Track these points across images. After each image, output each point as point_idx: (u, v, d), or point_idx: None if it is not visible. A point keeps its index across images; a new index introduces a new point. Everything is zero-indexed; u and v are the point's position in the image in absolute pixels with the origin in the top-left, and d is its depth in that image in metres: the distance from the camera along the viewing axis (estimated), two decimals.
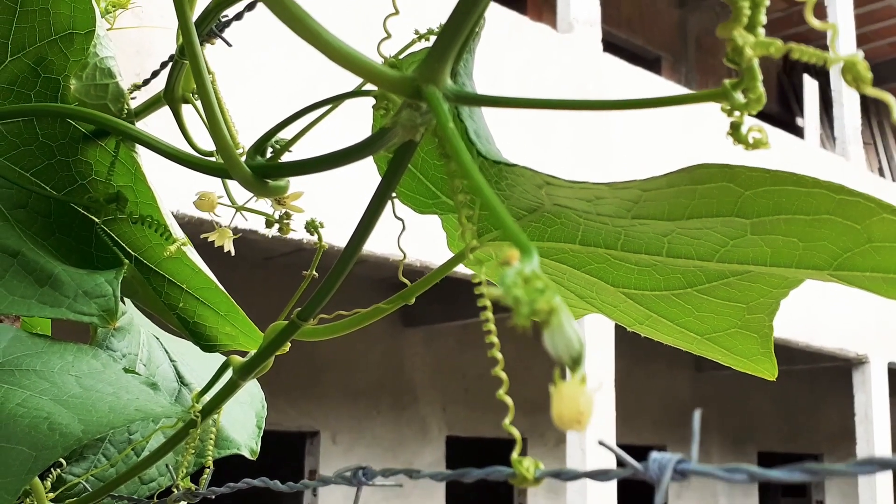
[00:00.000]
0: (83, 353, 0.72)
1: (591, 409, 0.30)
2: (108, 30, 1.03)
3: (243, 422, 0.99)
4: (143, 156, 0.80)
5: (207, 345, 0.89)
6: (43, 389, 0.64)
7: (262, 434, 0.98)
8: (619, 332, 5.77)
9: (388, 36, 0.48)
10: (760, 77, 0.37)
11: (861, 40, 8.10)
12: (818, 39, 8.58)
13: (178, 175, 0.80)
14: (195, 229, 0.85)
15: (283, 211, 0.62)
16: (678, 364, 8.16)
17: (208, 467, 0.72)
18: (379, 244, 4.24)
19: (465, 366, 6.98)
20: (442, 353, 6.94)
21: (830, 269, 0.51)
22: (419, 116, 0.40)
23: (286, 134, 0.62)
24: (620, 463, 0.35)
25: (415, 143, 0.52)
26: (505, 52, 4.90)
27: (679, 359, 8.01)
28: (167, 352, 1.00)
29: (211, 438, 0.74)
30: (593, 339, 5.44)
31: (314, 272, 0.64)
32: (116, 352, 0.92)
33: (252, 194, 0.64)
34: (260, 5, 0.68)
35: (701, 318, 0.60)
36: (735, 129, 0.39)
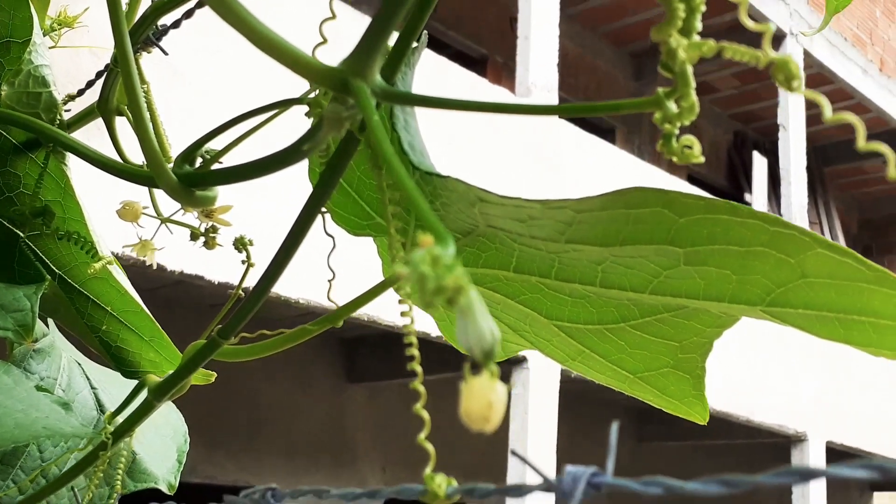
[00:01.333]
0: None
1: (501, 407, 0.28)
2: (50, 48, 1.01)
3: (163, 455, 0.95)
4: (82, 180, 0.78)
5: (129, 371, 0.86)
6: None
7: (181, 469, 0.95)
8: (563, 399, 5.75)
9: (325, 41, 0.47)
10: (693, 84, 0.36)
11: (811, 122, 8.30)
12: (768, 118, 8.78)
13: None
14: (139, 272, 0.82)
15: (210, 224, 0.60)
16: (620, 435, 8.15)
17: (116, 494, 0.68)
18: (320, 295, 4.20)
19: (407, 424, 6.91)
20: (385, 411, 6.86)
21: (763, 305, 0.50)
22: (345, 110, 0.39)
23: (222, 146, 0.61)
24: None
25: (349, 154, 0.50)
26: (463, 114, 4.94)
27: (621, 430, 8.00)
28: (88, 378, 0.96)
29: (121, 467, 0.71)
30: (537, 406, 5.41)
31: (241, 291, 0.62)
32: (35, 374, 0.88)
33: (179, 206, 0.62)
34: (198, 13, 0.66)
35: (633, 355, 0.59)
36: (667, 140, 0.38)
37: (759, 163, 7.92)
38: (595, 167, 5.81)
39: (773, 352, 6.95)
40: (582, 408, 7.35)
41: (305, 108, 0.60)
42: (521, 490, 0.33)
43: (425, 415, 0.38)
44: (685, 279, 0.50)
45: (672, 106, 0.37)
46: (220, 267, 3.98)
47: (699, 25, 0.35)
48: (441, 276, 0.25)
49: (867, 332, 0.49)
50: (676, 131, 0.38)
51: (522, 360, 5.43)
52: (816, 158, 9.35)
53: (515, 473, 5.35)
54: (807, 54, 7.75)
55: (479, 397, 0.28)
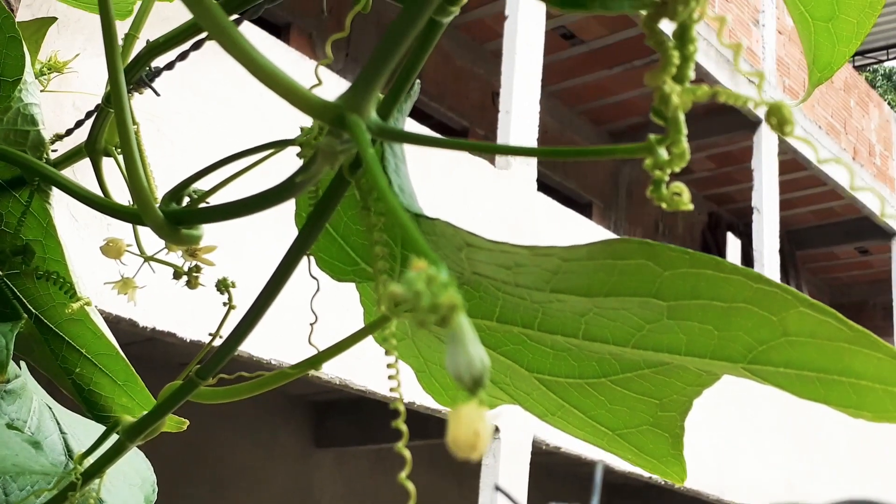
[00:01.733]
0: None
1: (488, 436, 0.28)
2: (41, 90, 1.01)
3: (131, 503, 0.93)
4: (64, 221, 0.78)
5: (101, 415, 0.85)
6: None
7: None
8: (532, 471, 5.69)
9: (319, 83, 0.47)
10: (685, 131, 0.36)
11: (784, 206, 8.42)
12: (743, 200, 8.90)
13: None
14: (111, 327, 0.82)
15: (194, 263, 0.60)
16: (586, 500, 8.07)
17: None
18: (299, 358, 4.17)
19: (375, 493, 6.80)
20: (353, 478, 6.76)
21: (745, 363, 0.50)
22: (339, 144, 0.39)
23: (207, 188, 0.61)
24: None
25: (338, 196, 0.51)
26: (443, 182, 4.98)
27: (587, 498, 7.93)
28: (58, 423, 0.95)
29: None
30: (507, 477, 5.36)
31: (220, 335, 0.61)
32: (5, 415, 0.87)
33: (163, 246, 0.62)
34: (192, 56, 0.67)
35: (613, 411, 0.59)
36: (657, 187, 0.38)
37: (733, 244, 8.01)
38: (573, 240, 5.84)
39: (745, 430, 6.94)
40: (551, 482, 7.28)
41: (287, 155, 0.61)
42: None
43: (407, 453, 0.38)
44: (668, 333, 0.51)
45: (663, 152, 0.37)
46: (193, 324, 3.95)
47: (692, 74, 0.36)
48: (436, 294, 0.25)
49: (847, 392, 0.50)
50: (666, 178, 0.38)
51: (494, 430, 5.40)
52: (789, 242, 9.47)
53: None
54: (781, 140, 7.90)
55: (467, 425, 0.27)
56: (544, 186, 6.63)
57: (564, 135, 8.54)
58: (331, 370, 4.55)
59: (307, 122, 0.57)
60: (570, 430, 0.62)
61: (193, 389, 0.57)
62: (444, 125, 7.67)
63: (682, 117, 0.37)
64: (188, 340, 3.94)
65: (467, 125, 7.98)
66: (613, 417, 0.59)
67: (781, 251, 8.21)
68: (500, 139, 5.59)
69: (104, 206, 0.62)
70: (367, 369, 4.59)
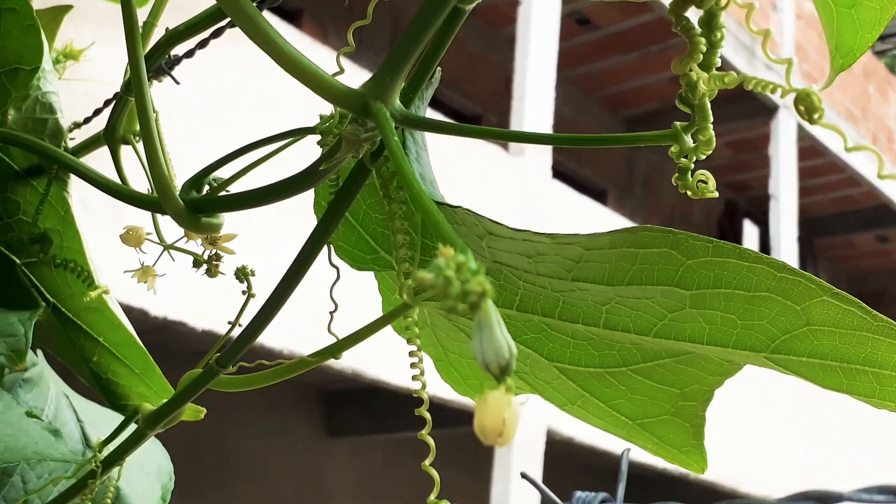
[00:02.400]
0: None
1: (515, 423, 0.28)
2: (58, 79, 1.01)
3: (148, 493, 0.94)
4: (82, 210, 0.78)
5: (119, 403, 0.85)
6: None
7: None
8: (548, 457, 5.70)
9: (341, 70, 0.47)
10: (711, 118, 0.36)
11: (802, 193, 8.38)
12: (760, 188, 8.85)
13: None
14: (138, 317, 0.82)
15: (213, 251, 0.60)
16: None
17: None
18: (312, 349, 4.18)
19: (388, 483, 6.82)
20: (366, 468, 6.78)
21: (767, 352, 0.50)
22: (363, 131, 0.39)
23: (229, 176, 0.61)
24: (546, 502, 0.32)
25: (358, 184, 0.51)
26: (457, 169, 4.97)
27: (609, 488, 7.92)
28: (75, 411, 0.95)
29: (108, 499, 0.70)
30: (521, 467, 5.36)
31: (239, 323, 0.61)
32: (23, 404, 0.87)
33: (182, 234, 0.62)
34: (212, 44, 0.67)
35: (634, 400, 0.58)
36: (682, 174, 0.38)
37: (751, 232, 7.98)
38: (587, 228, 5.83)
39: (761, 421, 6.92)
40: (565, 472, 7.28)
41: (305, 144, 0.61)
42: None
43: (430, 440, 0.38)
44: (690, 322, 0.50)
45: (689, 140, 0.37)
46: (205, 314, 3.96)
47: (718, 61, 0.35)
48: (466, 280, 0.25)
49: (870, 382, 0.49)
50: (692, 165, 0.38)
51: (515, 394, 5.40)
52: (808, 230, 9.41)
53: None
54: (800, 127, 7.85)
55: (494, 413, 0.27)
56: (559, 174, 6.61)
57: (579, 122, 8.51)
58: (343, 360, 4.56)
59: (325, 108, 0.57)
60: (590, 419, 0.62)
61: (213, 378, 0.57)
62: (456, 112, 7.66)
63: (708, 104, 0.36)
64: (200, 330, 3.95)
65: (480, 112, 7.96)
66: (634, 407, 0.59)
67: (799, 239, 8.18)
68: (514, 126, 5.57)
69: (123, 194, 0.62)
70: (380, 359, 4.60)
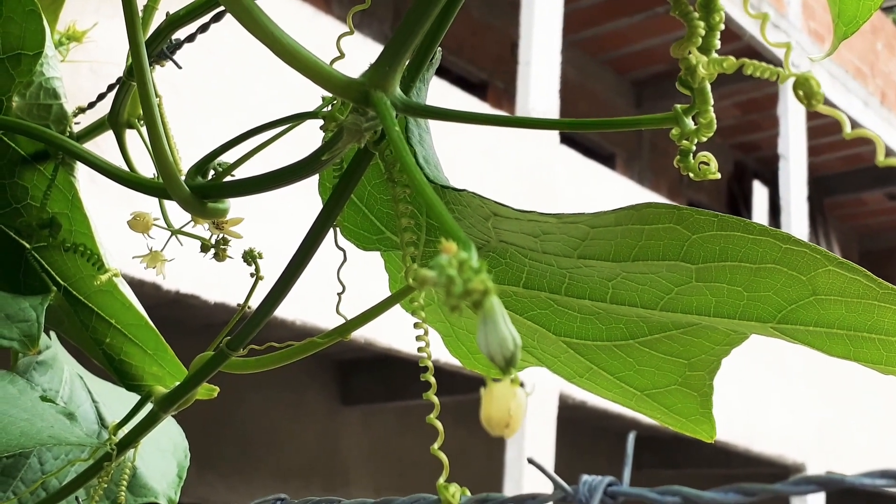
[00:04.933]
0: None
1: (521, 414, 0.28)
2: (60, 61, 1.01)
3: (164, 470, 0.95)
4: (90, 195, 0.78)
5: (132, 384, 0.86)
6: None
7: (181, 485, 0.94)
8: (559, 426, 5.73)
9: (342, 56, 0.47)
10: (711, 101, 0.36)
11: (811, 152, 8.33)
12: (769, 148, 8.80)
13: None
14: (134, 290, 0.82)
15: (221, 236, 0.60)
16: (614, 462, 8.11)
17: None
18: (323, 319, 4.20)
19: (402, 450, 6.87)
20: (379, 435, 6.83)
21: (774, 322, 0.50)
22: (365, 121, 0.39)
23: (233, 160, 0.61)
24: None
25: (362, 168, 0.51)
26: (463, 135, 4.96)
27: (619, 455, 7.97)
28: (90, 392, 0.96)
29: (124, 480, 0.71)
30: (534, 432, 5.39)
31: (248, 305, 0.62)
32: (38, 386, 0.88)
33: (189, 218, 0.62)
34: (213, 28, 0.67)
35: (641, 372, 0.59)
36: (684, 157, 0.38)
37: (760, 193, 7.94)
38: (595, 193, 5.82)
39: (773, 380, 6.93)
40: (578, 435, 7.32)
41: (310, 127, 0.61)
42: (535, 499, 0.33)
43: (439, 425, 0.38)
44: (696, 296, 0.51)
45: (689, 122, 0.37)
46: (217, 286, 3.97)
47: (717, 44, 0.35)
48: (468, 278, 0.25)
49: (876, 349, 0.50)
50: (693, 147, 0.38)
51: (520, 385, 5.40)
52: (817, 189, 9.36)
53: (511, 492, 5.31)
54: None
55: (500, 403, 0.28)
56: (566, 138, 6.58)
57: (586, 85, 8.47)
58: (355, 330, 4.55)
59: (324, 91, 0.57)
60: (599, 391, 0.63)
61: (224, 361, 0.57)
62: (462, 79, 7.62)
63: (708, 88, 0.36)
64: (213, 303, 3.96)
65: (486, 78, 7.92)
66: (642, 378, 0.59)
67: (809, 198, 8.14)
68: (520, 91, 5.55)
69: (129, 180, 0.62)
70: (392, 327, 4.61)
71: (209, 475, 5.90)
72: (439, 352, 0.68)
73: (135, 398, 0.95)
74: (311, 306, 4.07)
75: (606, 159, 8.41)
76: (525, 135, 5.45)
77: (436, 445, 0.36)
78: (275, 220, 3.72)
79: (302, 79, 0.39)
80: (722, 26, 0.35)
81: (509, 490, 5.33)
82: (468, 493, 0.35)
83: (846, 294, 0.48)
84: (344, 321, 0.59)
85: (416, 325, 0.42)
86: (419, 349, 0.44)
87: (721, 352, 0.57)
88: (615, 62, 8.60)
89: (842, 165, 9.66)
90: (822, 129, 8.65)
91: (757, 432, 6.78)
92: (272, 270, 0.60)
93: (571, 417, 6.32)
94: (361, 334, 4.66)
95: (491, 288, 0.25)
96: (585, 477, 0.31)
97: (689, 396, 0.59)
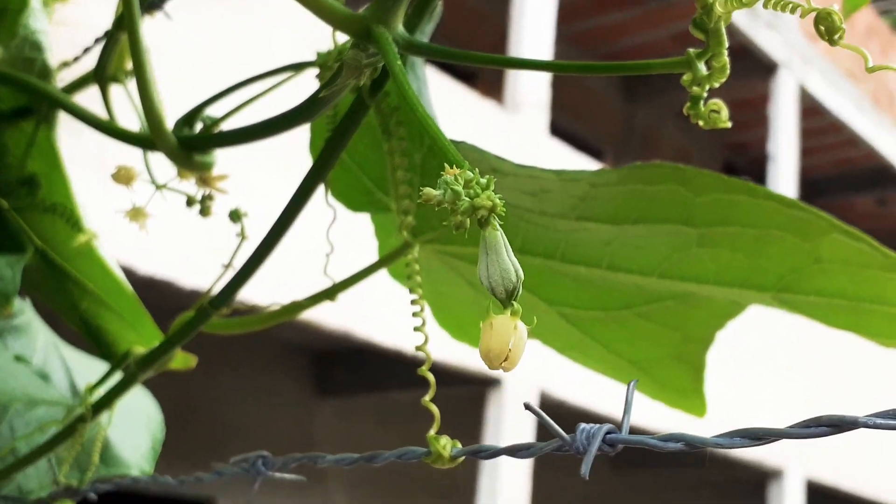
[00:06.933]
0: None
1: (521, 348, 0.26)
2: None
3: (136, 443, 0.93)
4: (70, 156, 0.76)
5: (108, 350, 0.84)
6: None
7: (156, 457, 0.92)
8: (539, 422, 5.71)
9: None
10: (726, 44, 0.34)
11: (802, 154, 8.33)
12: (758, 148, 8.81)
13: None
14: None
15: (207, 192, 0.58)
16: (595, 461, 8.09)
17: (90, 475, 0.66)
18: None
19: (379, 445, 6.83)
20: (356, 429, 6.79)
21: (775, 291, 0.49)
22: (365, 57, 0.37)
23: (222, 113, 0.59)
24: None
25: (357, 121, 0.49)
26: (450, 126, 4.92)
27: (597, 457, 7.96)
28: (64, 360, 0.94)
29: (96, 449, 0.69)
30: (512, 428, 5.37)
31: (232, 264, 0.60)
32: (10, 351, 0.86)
33: (177, 173, 0.60)
34: None
35: (635, 343, 0.57)
36: (694, 103, 0.36)
37: None
38: None
39: (754, 383, 6.92)
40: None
41: (293, 90, 0.59)
42: (531, 449, 0.31)
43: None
44: (696, 262, 0.49)
45: (702, 67, 0.36)
46: (193, 272, 3.92)
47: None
48: (475, 194, 0.23)
49: (878, 321, 0.48)
50: (705, 94, 0.36)
51: (497, 381, 5.38)
52: (807, 191, 9.36)
53: (486, 492, 5.30)
54: (799, 86, 7.79)
55: (500, 336, 0.26)
56: (556, 132, 6.57)
57: (578, 78, 8.44)
58: (334, 319, 4.52)
59: (314, 46, 0.55)
60: (590, 363, 0.61)
61: (206, 319, 0.55)
62: (451, 67, 7.59)
63: (723, 29, 0.35)
64: (188, 289, 3.91)
65: (476, 68, 7.89)
66: (635, 350, 0.58)
67: (798, 200, 8.10)
68: (510, 84, 5.53)
69: (114, 131, 0.60)
70: (371, 319, 4.57)
71: (181, 466, 5.85)
72: (417, 342, 0.66)
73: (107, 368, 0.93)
74: (290, 290, 4.03)
75: (596, 153, 8.39)
76: (515, 126, 5.44)
77: (427, 398, 0.35)
78: (258, 187, 3.65)
79: (288, 41, 0.38)
80: None
81: (485, 487, 5.31)
82: (459, 445, 0.34)
83: (850, 262, 0.47)
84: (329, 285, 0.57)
85: (410, 291, 0.40)
86: (414, 313, 0.42)
87: (717, 324, 0.56)
88: (608, 57, 8.57)
89: (832, 169, 9.67)
90: (813, 130, 8.66)
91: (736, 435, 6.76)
92: (254, 236, 0.58)
93: (551, 416, 6.31)
94: (340, 324, 4.62)
95: (498, 204, 0.23)
96: (583, 425, 0.30)
97: (682, 370, 0.58)
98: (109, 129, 0.60)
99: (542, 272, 0.56)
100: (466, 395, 5.53)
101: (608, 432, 0.29)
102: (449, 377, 5.21)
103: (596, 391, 5.68)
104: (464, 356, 5.17)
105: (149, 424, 0.95)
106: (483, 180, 0.24)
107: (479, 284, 0.61)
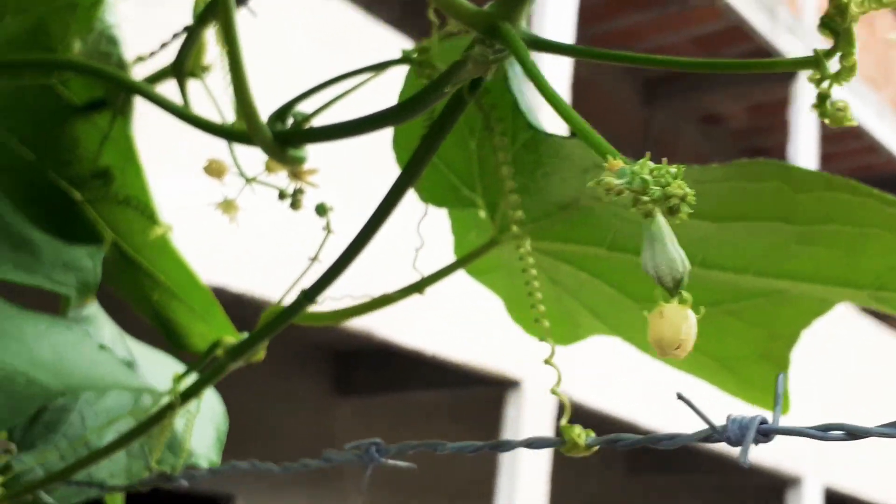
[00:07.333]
0: (56, 325, 0.68)
1: (692, 336, 0.27)
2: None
3: (202, 434, 0.94)
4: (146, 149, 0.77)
5: (178, 342, 0.85)
6: (16, 351, 0.60)
7: (222, 448, 0.93)
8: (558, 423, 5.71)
9: None
10: (856, 43, 0.35)
11: (822, 159, 8.29)
12: (778, 154, 8.78)
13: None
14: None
15: (298, 185, 0.59)
16: (610, 467, 8.09)
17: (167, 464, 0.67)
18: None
19: (400, 441, 6.83)
20: (376, 428, 6.80)
21: (872, 289, 0.49)
22: (492, 53, 0.38)
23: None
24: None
25: (454, 118, 0.50)
26: None
27: (613, 460, 7.96)
28: (130, 352, 0.95)
29: (189, 432, 0.70)
30: (531, 431, 5.36)
31: (318, 258, 0.61)
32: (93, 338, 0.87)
33: (264, 167, 0.61)
34: None
35: (722, 341, 0.58)
36: (821, 102, 0.37)
37: None
38: None
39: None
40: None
41: (377, 89, 0.60)
42: (675, 439, 0.32)
43: (557, 368, 0.37)
44: (793, 260, 0.50)
45: (830, 66, 0.36)
46: (244, 278, 3.91)
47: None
48: (666, 183, 0.24)
49: None
50: (832, 93, 0.37)
51: (517, 383, 5.36)
52: None
53: (505, 492, 5.30)
54: None
55: (673, 324, 0.27)
56: (573, 135, 6.53)
57: (597, 83, 8.44)
58: (355, 320, 4.50)
59: (387, 49, 0.56)
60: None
61: (300, 310, 0.56)
62: None
63: (854, 28, 0.35)
64: (234, 293, 3.91)
65: None
66: (721, 347, 0.58)
67: None
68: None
69: (202, 124, 0.61)
70: (392, 321, 4.57)
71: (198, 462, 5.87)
72: (438, 344, 0.67)
73: (173, 361, 0.94)
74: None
75: None
76: None
77: (553, 388, 0.35)
78: (343, 183, 3.62)
79: (354, 39, 0.38)
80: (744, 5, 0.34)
81: (504, 488, 5.30)
82: (592, 434, 0.34)
83: None
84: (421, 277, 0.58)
85: (526, 283, 0.41)
86: (531, 305, 0.42)
87: (803, 322, 0.56)
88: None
89: (852, 174, 9.61)
90: (832, 136, 8.63)
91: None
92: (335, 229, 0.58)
93: (571, 419, 6.30)
94: (362, 325, 4.62)
95: (690, 193, 0.24)
96: (734, 415, 0.30)
97: (767, 368, 0.58)
98: (195, 120, 0.61)
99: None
100: (485, 396, 5.53)
101: (761, 422, 0.29)
102: (469, 378, 5.21)
103: (614, 395, 5.68)
104: (483, 357, 5.17)
105: (213, 417, 0.96)
106: (673, 169, 0.25)
107: (562, 281, 0.62)
